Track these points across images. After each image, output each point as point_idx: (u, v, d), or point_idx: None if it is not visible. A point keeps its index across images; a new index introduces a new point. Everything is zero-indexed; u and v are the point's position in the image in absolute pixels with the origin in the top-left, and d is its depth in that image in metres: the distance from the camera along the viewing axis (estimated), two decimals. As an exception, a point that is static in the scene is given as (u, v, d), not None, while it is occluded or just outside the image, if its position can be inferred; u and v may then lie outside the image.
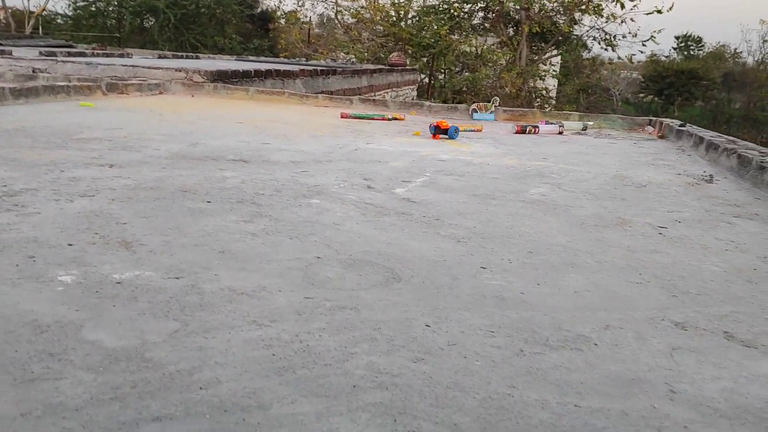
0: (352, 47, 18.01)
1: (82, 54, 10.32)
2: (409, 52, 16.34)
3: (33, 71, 6.81)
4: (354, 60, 17.33)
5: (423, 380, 1.20)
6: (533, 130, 5.19)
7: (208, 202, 2.37)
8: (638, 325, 1.53)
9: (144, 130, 4.05)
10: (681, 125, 5.31)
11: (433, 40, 15.56)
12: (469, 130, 5.04)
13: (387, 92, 12.52)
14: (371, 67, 13.35)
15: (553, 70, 17.40)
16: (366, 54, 17.39)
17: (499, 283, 1.74)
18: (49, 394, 1.07)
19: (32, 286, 1.50)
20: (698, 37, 36.29)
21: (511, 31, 16.29)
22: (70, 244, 1.81)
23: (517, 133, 5.17)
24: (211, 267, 1.71)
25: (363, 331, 1.39)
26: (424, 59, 15.89)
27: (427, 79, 15.89)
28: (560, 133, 5.29)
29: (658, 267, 1.96)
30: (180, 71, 7.21)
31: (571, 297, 1.68)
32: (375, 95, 11.16)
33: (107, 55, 10.89)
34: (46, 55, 8.69)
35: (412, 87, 14.84)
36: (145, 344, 1.26)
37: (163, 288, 1.54)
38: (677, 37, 36.04)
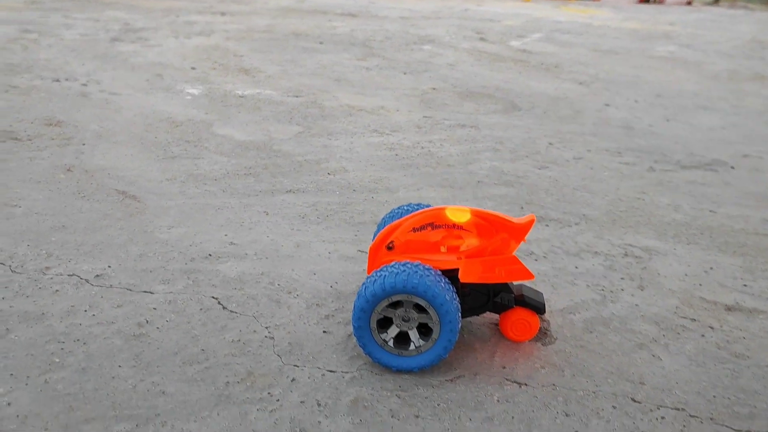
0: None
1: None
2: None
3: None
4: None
5: (549, 182, 1.18)
6: (658, 0, 4.77)
7: (320, 43, 2.36)
8: (781, 156, 1.42)
9: (252, -10, 4.04)
10: (832, -4, 4.71)
11: None
12: (586, -1, 4.70)
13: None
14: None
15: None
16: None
17: (626, 116, 1.65)
18: (190, 168, 1.12)
19: (164, 95, 1.56)
20: None
21: None
22: (193, 68, 1.86)
23: (640, 2, 4.77)
24: (328, 90, 1.72)
25: (485, 143, 1.37)
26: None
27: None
28: (689, 3, 4.84)
29: (803, 113, 1.79)
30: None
31: (704, 132, 1.57)
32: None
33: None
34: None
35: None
36: (272, 140, 1.30)
37: (284, 102, 1.57)
38: None
